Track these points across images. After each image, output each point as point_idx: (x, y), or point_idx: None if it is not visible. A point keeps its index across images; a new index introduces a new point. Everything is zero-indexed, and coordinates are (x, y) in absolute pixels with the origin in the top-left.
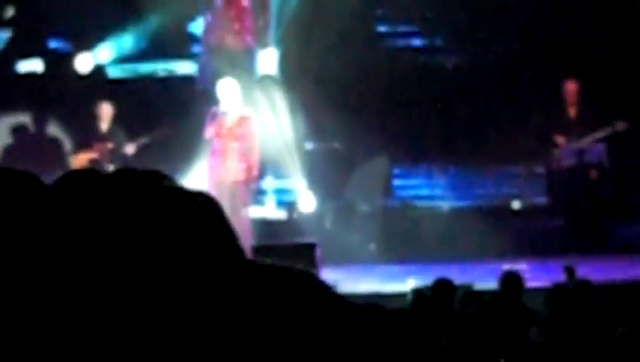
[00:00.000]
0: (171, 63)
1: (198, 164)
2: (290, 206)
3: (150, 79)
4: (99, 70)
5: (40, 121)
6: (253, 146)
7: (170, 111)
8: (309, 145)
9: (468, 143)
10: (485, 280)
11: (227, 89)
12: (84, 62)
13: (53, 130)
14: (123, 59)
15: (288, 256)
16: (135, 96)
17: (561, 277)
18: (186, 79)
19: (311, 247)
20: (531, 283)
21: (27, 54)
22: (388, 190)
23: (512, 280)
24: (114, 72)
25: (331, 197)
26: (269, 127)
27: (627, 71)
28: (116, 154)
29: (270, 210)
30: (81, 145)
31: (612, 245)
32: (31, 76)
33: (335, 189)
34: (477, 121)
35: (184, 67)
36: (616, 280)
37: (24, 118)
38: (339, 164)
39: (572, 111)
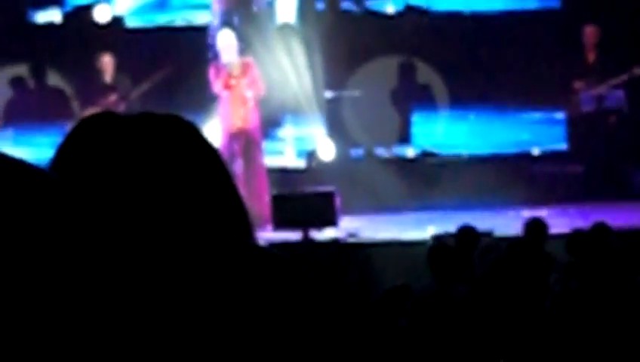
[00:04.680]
0: (189, 13)
1: (210, 116)
2: (309, 154)
3: (168, 29)
4: (117, 20)
5: (43, 73)
6: (261, 90)
7: (188, 59)
8: (328, 94)
9: (487, 90)
10: (505, 227)
11: (225, 40)
12: (102, 13)
13: (57, 80)
14: (141, 9)
15: (308, 204)
16: (154, 45)
17: (581, 223)
18: (203, 29)
19: (330, 196)
20: (551, 229)
21: (45, 4)
22: (407, 138)
23: (536, 227)
24: (132, 22)
25: (351, 145)
26: (288, 76)
27: None
28: (123, 103)
29: (290, 159)
30: (86, 99)
31: (631, 191)
32: (49, 27)
33: (355, 137)
34: (497, 67)
35: (202, 17)
36: (635, 227)
37: (25, 70)
38: (358, 111)
39: (591, 57)
